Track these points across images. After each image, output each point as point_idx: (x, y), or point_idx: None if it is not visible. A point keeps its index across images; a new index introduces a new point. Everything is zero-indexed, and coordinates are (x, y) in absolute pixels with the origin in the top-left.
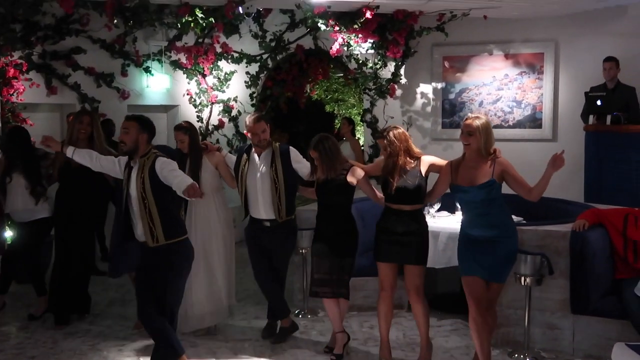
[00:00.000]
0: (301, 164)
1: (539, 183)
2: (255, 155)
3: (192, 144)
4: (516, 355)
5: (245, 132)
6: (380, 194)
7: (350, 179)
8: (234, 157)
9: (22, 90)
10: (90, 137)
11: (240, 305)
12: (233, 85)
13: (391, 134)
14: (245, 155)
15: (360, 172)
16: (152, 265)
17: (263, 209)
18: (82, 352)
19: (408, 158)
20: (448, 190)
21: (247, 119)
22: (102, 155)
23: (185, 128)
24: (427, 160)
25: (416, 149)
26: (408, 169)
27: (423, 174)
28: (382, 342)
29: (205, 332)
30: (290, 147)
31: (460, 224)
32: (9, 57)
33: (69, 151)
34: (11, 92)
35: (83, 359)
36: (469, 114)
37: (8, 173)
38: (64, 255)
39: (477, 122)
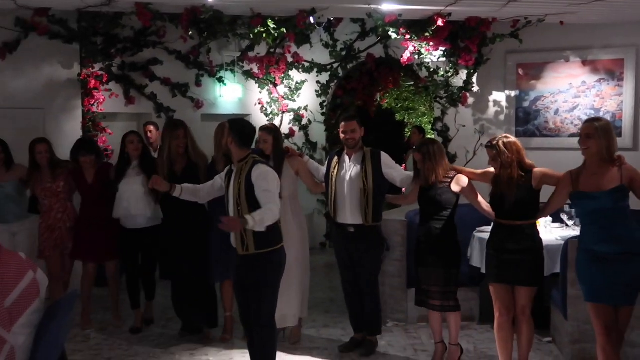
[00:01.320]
0: (393, 169)
1: None
2: (347, 157)
3: (275, 146)
4: None
5: (338, 132)
6: (488, 207)
7: (454, 187)
8: (316, 164)
9: (102, 100)
10: (187, 149)
11: (309, 312)
12: (304, 94)
13: (501, 143)
14: (336, 158)
15: (465, 180)
16: (243, 274)
17: (350, 213)
18: (156, 355)
19: (520, 170)
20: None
21: (340, 119)
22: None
23: (270, 129)
24: (539, 172)
25: (528, 161)
26: (519, 182)
27: (534, 187)
28: None
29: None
30: (382, 152)
31: (577, 238)
32: (91, 68)
33: (177, 192)
34: (92, 102)
35: None
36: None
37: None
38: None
39: (597, 124)
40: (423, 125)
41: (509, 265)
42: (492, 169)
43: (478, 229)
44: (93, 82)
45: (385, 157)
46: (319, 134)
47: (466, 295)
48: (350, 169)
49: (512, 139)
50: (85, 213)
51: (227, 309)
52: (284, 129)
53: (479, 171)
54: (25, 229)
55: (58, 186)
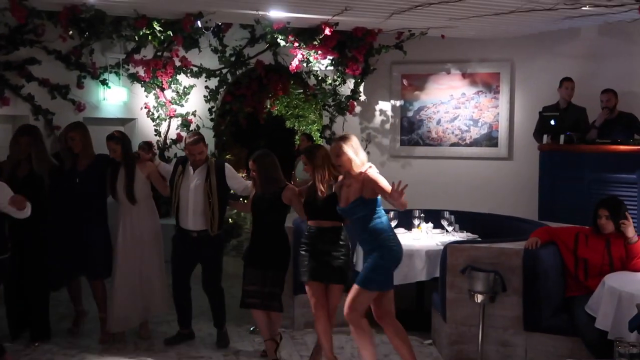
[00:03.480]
0: (236, 180)
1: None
2: (191, 169)
3: (124, 153)
4: None
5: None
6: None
7: (285, 198)
8: (168, 166)
9: None
10: (29, 157)
11: (194, 321)
12: (192, 99)
13: (317, 152)
14: (180, 167)
15: (292, 194)
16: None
17: (192, 221)
18: None
19: (328, 176)
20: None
21: (186, 138)
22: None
23: (117, 138)
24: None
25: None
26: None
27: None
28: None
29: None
30: (226, 164)
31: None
32: None
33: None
34: None
35: None
36: None
37: None
38: None
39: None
40: (312, 132)
41: (320, 265)
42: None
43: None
44: None
45: (228, 170)
46: (208, 139)
47: None
48: (195, 180)
49: (324, 148)
50: None
51: (103, 309)
52: (172, 134)
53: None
54: None
55: None
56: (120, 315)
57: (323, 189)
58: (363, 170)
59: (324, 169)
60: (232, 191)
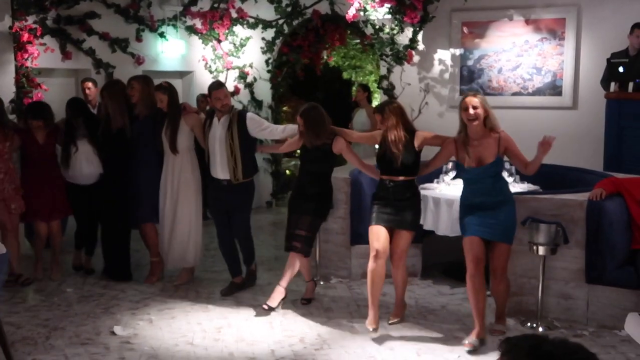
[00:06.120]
0: (260, 128)
1: (533, 161)
2: (216, 119)
3: (171, 104)
4: (529, 324)
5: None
6: (370, 164)
7: (335, 149)
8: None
9: (36, 55)
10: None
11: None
12: (249, 51)
13: (387, 108)
14: (208, 120)
15: (343, 144)
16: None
17: (220, 170)
18: (96, 315)
19: (404, 132)
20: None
21: (210, 85)
22: None
23: (164, 88)
24: (420, 134)
25: (411, 124)
26: (403, 143)
27: (416, 147)
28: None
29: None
30: (249, 114)
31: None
32: (23, 21)
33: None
34: (25, 57)
35: (97, 322)
36: None
37: (73, 142)
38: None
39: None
40: (370, 83)
41: (387, 212)
42: (376, 132)
43: (420, 186)
44: (26, 35)
45: (250, 120)
46: (264, 91)
47: (408, 252)
48: (218, 130)
49: (397, 104)
50: (33, 174)
51: (153, 253)
52: (229, 87)
53: (365, 135)
54: None
55: (4, 146)
56: (172, 255)
57: (397, 150)
58: (499, 132)
59: (397, 128)
60: (263, 141)
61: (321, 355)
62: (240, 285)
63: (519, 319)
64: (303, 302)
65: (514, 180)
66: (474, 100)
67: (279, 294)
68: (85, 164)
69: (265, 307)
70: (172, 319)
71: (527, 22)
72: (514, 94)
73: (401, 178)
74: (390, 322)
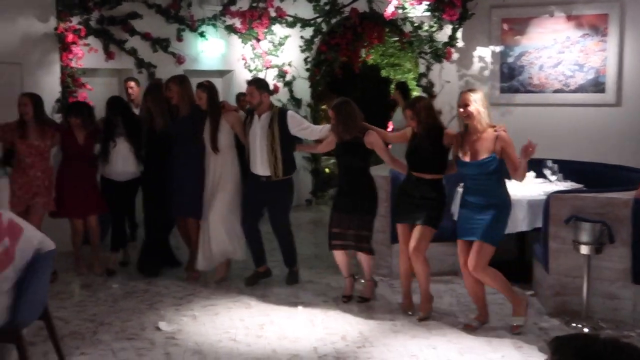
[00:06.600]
0: (301, 127)
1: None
2: (257, 117)
3: (210, 102)
4: (574, 325)
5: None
6: (400, 160)
7: (367, 143)
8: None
9: (81, 55)
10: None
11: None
12: (287, 49)
13: (416, 105)
14: (249, 117)
15: (374, 138)
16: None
17: (260, 166)
18: (141, 311)
19: (434, 129)
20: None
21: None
22: None
23: (204, 86)
24: (447, 132)
25: (440, 121)
26: (432, 140)
27: (445, 145)
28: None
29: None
30: (289, 112)
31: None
32: (68, 22)
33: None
34: (70, 57)
35: (142, 317)
36: None
37: (112, 138)
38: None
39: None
40: (408, 81)
41: (410, 209)
42: (408, 129)
43: (461, 184)
44: (71, 36)
45: (291, 118)
46: (303, 90)
47: (449, 250)
48: (258, 127)
49: (426, 100)
50: (72, 171)
51: (194, 249)
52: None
53: (397, 133)
54: (4, 188)
55: (45, 145)
56: (207, 254)
57: (425, 147)
58: (497, 129)
59: (426, 125)
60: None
61: (363, 353)
62: (263, 274)
63: (564, 319)
64: (344, 300)
65: (557, 179)
66: (464, 98)
67: (369, 287)
68: (121, 161)
69: (345, 299)
70: (215, 315)
71: (569, 18)
72: (556, 91)
73: (428, 175)
74: (418, 318)
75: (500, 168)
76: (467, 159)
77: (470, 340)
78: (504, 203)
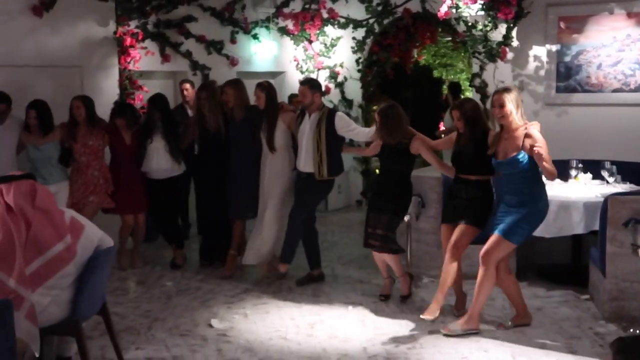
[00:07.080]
0: (348, 129)
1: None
2: (307, 115)
3: (268, 102)
4: (632, 330)
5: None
6: (447, 164)
7: (412, 149)
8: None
9: (138, 58)
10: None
11: (344, 268)
12: (339, 51)
13: (463, 106)
14: (301, 115)
15: (419, 144)
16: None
17: (303, 163)
18: (194, 308)
19: (480, 131)
20: None
21: None
22: None
23: (263, 86)
24: (492, 134)
25: (486, 122)
26: (479, 142)
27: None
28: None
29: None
30: (338, 113)
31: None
32: (126, 26)
33: None
34: (128, 60)
35: (194, 314)
36: None
37: (149, 135)
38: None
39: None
40: (461, 81)
41: (455, 210)
42: (451, 135)
43: None
44: (129, 40)
45: (339, 120)
46: (355, 91)
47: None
48: (307, 125)
49: (473, 102)
50: (122, 170)
51: (233, 247)
52: None
53: (443, 139)
54: (65, 188)
55: (99, 144)
56: (257, 251)
57: (470, 148)
58: (526, 126)
59: (472, 126)
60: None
61: (413, 354)
62: (316, 277)
63: (621, 325)
64: (381, 299)
65: (615, 181)
66: (500, 99)
67: (404, 284)
68: (156, 159)
69: (382, 298)
70: (266, 314)
71: (629, 15)
72: (615, 90)
73: (473, 177)
74: (456, 314)
75: (533, 167)
76: (499, 157)
77: (524, 344)
78: (535, 203)
